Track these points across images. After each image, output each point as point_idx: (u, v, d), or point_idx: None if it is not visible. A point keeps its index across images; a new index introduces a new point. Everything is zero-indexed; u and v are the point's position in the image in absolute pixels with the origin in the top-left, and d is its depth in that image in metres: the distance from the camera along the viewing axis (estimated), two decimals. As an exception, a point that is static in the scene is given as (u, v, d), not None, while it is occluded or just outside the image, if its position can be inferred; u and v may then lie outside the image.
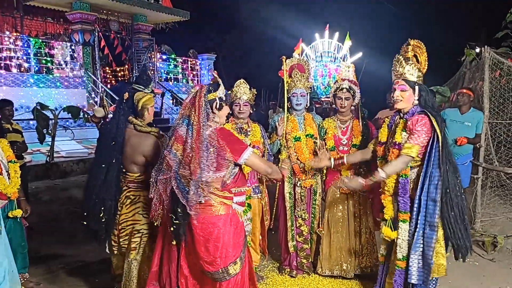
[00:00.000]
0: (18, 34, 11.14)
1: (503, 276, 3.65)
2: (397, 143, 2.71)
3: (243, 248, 2.47)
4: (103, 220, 2.77)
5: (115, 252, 2.95)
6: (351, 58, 10.65)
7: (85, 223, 2.79)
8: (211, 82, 2.55)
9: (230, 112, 3.15)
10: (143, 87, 2.94)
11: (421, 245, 2.62)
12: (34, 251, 3.91)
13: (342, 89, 3.54)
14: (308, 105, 3.82)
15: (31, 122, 8.53)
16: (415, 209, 2.63)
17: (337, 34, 10.35)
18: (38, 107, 7.66)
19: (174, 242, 2.44)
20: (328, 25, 10.53)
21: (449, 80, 6.66)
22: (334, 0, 19.20)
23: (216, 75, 2.53)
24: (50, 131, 7.91)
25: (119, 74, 13.70)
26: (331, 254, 3.62)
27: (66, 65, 11.03)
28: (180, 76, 14.24)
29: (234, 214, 2.46)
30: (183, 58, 14.50)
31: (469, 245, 2.65)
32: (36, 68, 10.35)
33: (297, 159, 3.62)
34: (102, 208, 2.76)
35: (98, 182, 2.76)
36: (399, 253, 2.72)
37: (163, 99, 11.92)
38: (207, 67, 14.94)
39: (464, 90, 4.86)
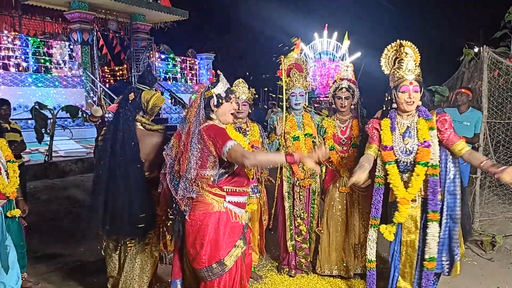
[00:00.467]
0: (16, 33, 11.11)
1: (501, 275, 3.66)
2: (427, 141, 2.66)
3: (234, 249, 2.40)
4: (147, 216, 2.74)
5: (113, 254, 2.93)
6: (350, 57, 10.66)
7: (140, 225, 2.70)
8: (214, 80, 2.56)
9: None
10: (148, 88, 2.92)
11: (447, 239, 2.69)
12: (33, 250, 3.90)
13: (341, 88, 3.55)
14: (307, 104, 3.83)
15: (29, 121, 8.51)
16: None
17: (335, 34, 10.36)
18: (37, 107, 7.65)
19: (169, 237, 2.46)
20: (327, 24, 10.54)
21: (447, 80, 6.67)
22: (333, 0, 19.21)
23: (219, 73, 2.51)
24: (48, 131, 7.90)
25: (118, 74, 13.68)
26: (330, 253, 3.63)
27: (64, 64, 11.00)
28: (178, 75, 14.22)
29: (226, 213, 2.41)
30: (182, 57, 14.48)
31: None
32: (35, 67, 10.33)
33: (296, 158, 3.62)
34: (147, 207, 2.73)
35: (137, 184, 2.70)
36: (427, 254, 2.70)
37: (162, 98, 11.90)
38: (205, 67, 14.93)
39: (463, 90, 4.87)
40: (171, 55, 14.11)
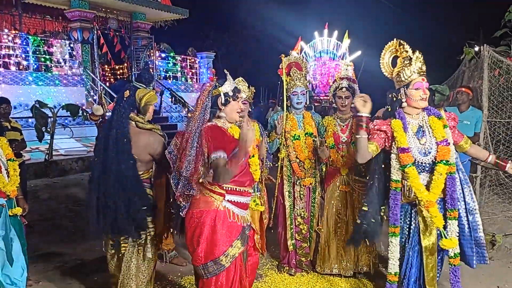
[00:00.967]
0: (16, 32, 11.11)
1: (501, 274, 3.66)
2: (446, 139, 2.63)
3: (230, 249, 2.39)
4: (146, 213, 2.75)
5: (113, 251, 2.94)
6: (350, 56, 10.66)
7: (132, 219, 2.69)
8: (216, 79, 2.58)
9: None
10: (144, 86, 2.92)
11: (469, 232, 2.69)
12: (33, 249, 3.91)
13: (341, 88, 3.55)
14: (308, 103, 3.82)
15: (30, 120, 8.51)
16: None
17: (336, 33, 10.35)
18: (37, 105, 7.65)
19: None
20: (327, 23, 10.53)
21: (448, 79, 6.66)
22: (333, -1, 19.20)
23: (226, 72, 2.52)
24: (49, 129, 7.90)
25: (118, 72, 13.67)
26: (330, 252, 3.63)
27: (65, 63, 10.99)
28: (179, 74, 14.21)
29: (224, 212, 2.40)
30: (182, 56, 14.46)
31: None
32: (35, 66, 10.32)
33: (296, 157, 3.63)
34: (144, 208, 2.73)
35: (132, 180, 2.70)
36: (451, 251, 2.67)
37: (162, 97, 11.90)
38: (206, 65, 14.92)
39: (463, 89, 4.86)
40: (172, 54, 14.10)
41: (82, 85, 11.06)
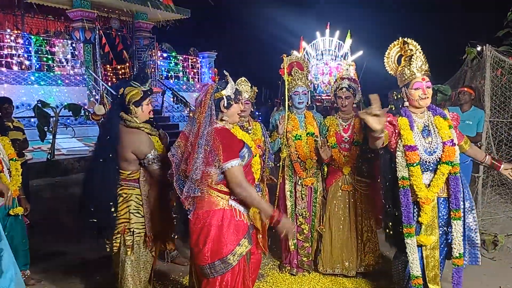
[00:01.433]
0: (19, 31, 11.14)
1: (503, 275, 3.65)
2: (451, 140, 2.63)
3: (238, 247, 2.39)
4: (114, 215, 2.74)
5: (114, 249, 2.93)
6: (352, 56, 10.64)
7: (95, 220, 2.72)
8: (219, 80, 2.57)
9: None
10: (139, 85, 2.91)
11: (464, 231, 2.70)
12: (35, 248, 3.91)
13: (341, 88, 3.55)
14: (309, 103, 3.82)
15: (32, 119, 8.54)
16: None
17: (338, 33, 10.33)
18: (39, 105, 7.67)
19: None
20: (329, 23, 10.51)
21: (450, 79, 6.65)
22: (335, -2, 19.17)
23: (226, 73, 2.51)
24: (51, 129, 7.92)
25: (120, 72, 13.69)
26: (332, 252, 3.63)
27: (67, 63, 11.02)
28: (180, 74, 14.22)
29: (231, 211, 2.40)
30: (184, 56, 14.47)
31: None
32: (37, 65, 10.35)
33: (298, 157, 3.63)
34: (111, 203, 2.72)
35: (99, 178, 2.72)
36: (455, 251, 2.67)
37: (163, 97, 11.91)
38: (207, 65, 14.93)
39: (465, 89, 4.86)
40: (173, 54, 14.11)
41: (84, 85, 11.08)
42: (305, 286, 3.52)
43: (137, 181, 2.83)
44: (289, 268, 3.76)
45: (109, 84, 12.26)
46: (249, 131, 3.48)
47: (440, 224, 2.71)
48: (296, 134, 3.63)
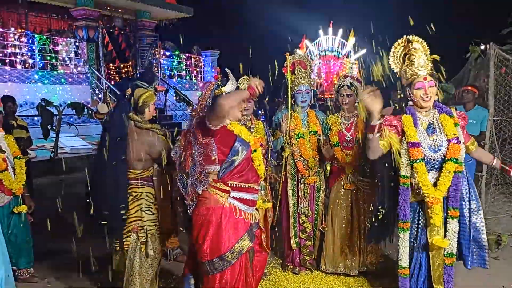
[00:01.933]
0: (22, 30, 11.17)
1: (507, 274, 3.64)
2: (457, 137, 2.62)
3: (237, 245, 2.40)
4: (124, 217, 2.76)
5: (117, 248, 2.95)
6: (355, 55, 10.62)
7: (105, 221, 2.73)
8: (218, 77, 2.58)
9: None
10: (146, 85, 2.93)
11: (469, 232, 2.69)
12: (39, 246, 3.93)
13: (343, 86, 3.55)
14: (312, 102, 3.82)
15: (35, 118, 8.57)
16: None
17: (341, 31, 10.31)
18: (43, 103, 7.70)
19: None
20: (332, 21, 10.49)
21: (453, 77, 6.63)
22: (338, -3, 19.12)
23: (228, 71, 2.53)
24: (54, 127, 7.95)
25: (123, 71, 13.72)
26: (335, 251, 3.62)
27: (70, 61, 11.06)
28: (183, 72, 14.24)
29: (230, 209, 2.42)
30: (187, 54, 14.49)
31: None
32: (41, 64, 10.39)
33: (300, 156, 3.63)
34: (122, 206, 2.74)
35: (110, 180, 2.73)
36: (447, 249, 2.66)
37: (166, 95, 11.93)
38: (210, 64, 14.94)
39: (469, 87, 4.84)
40: (176, 52, 14.13)
41: (87, 84, 11.12)
42: (308, 284, 3.53)
43: (148, 179, 2.87)
44: (291, 266, 3.76)
45: (112, 82, 12.29)
46: (251, 130, 3.48)
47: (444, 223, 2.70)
48: (299, 133, 3.63)
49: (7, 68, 9.62)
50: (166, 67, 13.66)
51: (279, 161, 3.78)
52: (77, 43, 11.22)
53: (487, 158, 2.85)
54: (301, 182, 3.65)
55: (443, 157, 2.61)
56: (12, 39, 9.95)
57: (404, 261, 2.73)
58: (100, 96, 11.07)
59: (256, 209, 2.64)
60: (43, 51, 10.48)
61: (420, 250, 2.73)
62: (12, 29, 10.71)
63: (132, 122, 2.84)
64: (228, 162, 2.41)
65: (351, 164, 3.53)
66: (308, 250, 3.72)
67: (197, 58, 14.78)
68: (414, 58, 2.62)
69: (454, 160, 2.58)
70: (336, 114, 3.71)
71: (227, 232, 2.38)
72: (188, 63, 14.47)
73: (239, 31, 20.94)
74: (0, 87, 9.01)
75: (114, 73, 13.76)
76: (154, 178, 2.92)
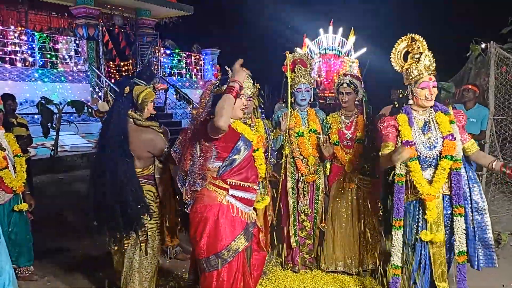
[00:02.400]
0: (22, 28, 11.15)
1: (506, 273, 3.64)
2: (452, 134, 2.62)
3: (233, 243, 2.40)
4: (140, 210, 2.74)
5: (116, 248, 2.95)
6: (356, 53, 10.60)
7: (130, 217, 2.70)
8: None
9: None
10: (145, 83, 2.92)
11: (473, 232, 2.69)
12: (39, 244, 3.93)
13: (343, 84, 3.55)
14: (312, 100, 3.82)
15: (35, 116, 8.56)
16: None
17: (341, 29, 10.30)
18: (43, 101, 7.69)
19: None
20: (332, 20, 10.47)
21: (454, 76, 6.62)
22: (339, -5, 19.09)
23: (228, 69, 2.52)
24: (54, 125, 7.94)
25: (123, 69, 13.70)
26: (335, 249, 3.63)
27: (70, 59, 11.04)
28: (183, 71, 14.21)
29: (228, 207, 2.42)
30: (187, 53, 14.46)
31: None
32: (41, 62, 10.37)
33: (300, 154, 3.63)
34: (139, 201, 2.73)
35: (122, 176, 2.69)
36: (457, 248, 2.67)
37: (166, 94, 11.92)
38: (210, 62, 14.91)
39: (470, 86, 4.84)
40: (176, 51, 14.10)
41: (87, 82, 11.10)
42: (307, 283, 3.53)
43: (148, 177, 2.87)
44: (291, 265, 3.76)
45: (112, 81, 12.28)
46: (252, 128, 3.47)
47: (446, 222, 2.70)
48: (299, 131, 3.63)
49: (7, 66, 9.61)
50: (166, 65, 13.63)
51: (278, 160, 3.78)
52: (77, 41, 11.20)
53: (486, 161, 2.78)
54: (301, 180, 3.65)
55: (438, 154, 2.63)
56: (12, 37, 9.93)
57: (396, 260, 2.76)
58: (100, 94, 11.06)
59: (254, 208, 2.64)
60: (43, 49, 10.46)
61: (423, 249, 2.74)
62: (12, 27, 10.69)
63: (131, 120, 2.83)
64: (229, 160, 2.41)
65: (351, 162, 3.53)
66: (307, 249, 3.73)
67: (197, 57, 14.76)
68: (421, 58, 2.62)
69: (449, 157, 2.59)
70: (336, 113, 3.71)
71: (224, 230, 2.39)
72: (188, 61, 14.44)
73: (239, 30, 20.92)
74: (0, 85, 9.00)
75: (114, 71, 13.74)
76: (157, 176, 2.90)
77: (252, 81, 3.48)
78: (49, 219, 5.22)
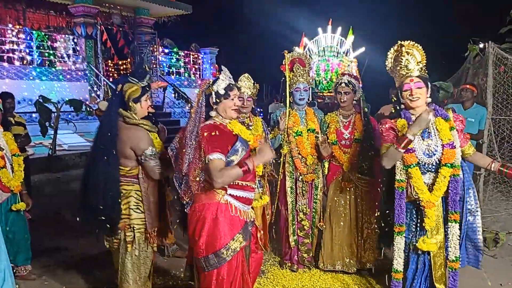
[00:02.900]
0: (20, 27, 11.11)
1: (504, 272, 3.65)
2: (452, 142, 2.60)
3: (232, 242, 2.40)
4: (121, 211, 2.74)
5: (115, 246, 2.93)
6: (354, 53, 10.60)
7: (103, 218, 2.70)
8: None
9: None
10: (137, 80, 2.89)
11: (464, 232, 2.71)
12: (37, 243, 3.93)
13: (341, 83, 3.55)
14: (310, 100, 3.82)
15: (33, 115, 8.54)
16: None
17: (340, 29, 10.30)
18: (41, 100, 7.66)
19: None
20: (331, 19, 10.48)
21: (452, 76, 6.63)
22: (338, -6, 19.08)
23: (223, 68, 2.51)
24: (52, 124, 7.91)
25: (122, 68, 13.67)
26: (333, 248, 3.63)
27: (68, 58, 11.00)
28: (182, 70, 14.19)
29: (226, 205, 2.41)
30: (185, 52, 14.44)
31: None
32: (39, 61, 10.34)
33: (299, 153, 3.63)
34: (119, 200, 2.73)
35: (102, 174, 2.69)
36: (451, 254, 2.67)
37: (165, 93, 11.90)
38: (209, 61, 14.89)
39: (468, 86, 4.84)
40: (175, 49, 14.08)
41: (85, 80, 11.08)
42: (306, 282, 3.53)
43: (136, 177, 2.82)
44: (289, 264, 3.77)
45: (111, 79, 12.25)
46: (250, 127, 3.47)
47: (445, 223, 2.71)
48: (297, 131, 3.63)
49: (5, 64, 9.57)
50: (164, 64, 13.61)
51: (277, 159, 3.78)
52: (75, 40, 11.17)
53: (485, 162, 2.79)
54: (299, 180, 3.65)
55: (437, 161, 2.63)
56: (10, 35, 9.90)
57: (398, 265, 2.74)
58: (98, 93, 11.04)
59: (252, 207, 2.63)
60: (41, 47, 10.42)
61: (422, 250, 2.72)
62: (10, 25, 10.65)
63: (121, 118, 2.82)
64: (226, 161, 2.40)
65: (349, 162, 3.54)
66: (306, 248, 3.73)
67: (196, 56, 14.74)
68: (402, 61, 2.64)
69: (449, 165, 2.59)
70: (334, 112, 3.72)
71: (223, 229, 2.38)
72: (186, 60, 14.42)
73: (238, 29, 20.90)
74: (-2, 83, 8.99)
75: (113, 70, 13.72)
76: (141, 176, 2.83)
77: (252, 82, 3.49)
78: (47, 218, 5.22)
